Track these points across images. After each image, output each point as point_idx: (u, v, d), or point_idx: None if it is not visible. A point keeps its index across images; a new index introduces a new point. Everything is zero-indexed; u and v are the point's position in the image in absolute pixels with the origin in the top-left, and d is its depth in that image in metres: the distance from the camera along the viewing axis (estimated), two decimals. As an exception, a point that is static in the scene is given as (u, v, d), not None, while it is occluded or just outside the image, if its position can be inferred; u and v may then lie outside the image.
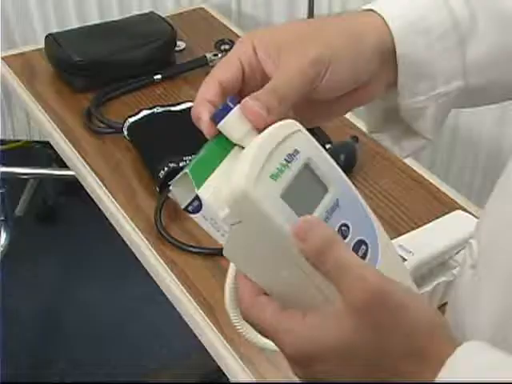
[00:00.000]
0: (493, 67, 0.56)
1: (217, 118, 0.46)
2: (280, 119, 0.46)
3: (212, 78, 0.50)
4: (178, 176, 0.46)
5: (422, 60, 0.54)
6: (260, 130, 0.46)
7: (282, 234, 0.42)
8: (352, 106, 0.56)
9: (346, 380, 0.43)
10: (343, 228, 0.45)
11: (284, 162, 0.44)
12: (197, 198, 0.45)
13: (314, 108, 0.53)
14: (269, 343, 0.47)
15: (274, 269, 0.44)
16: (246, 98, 0.47)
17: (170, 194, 0.47)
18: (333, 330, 0.42)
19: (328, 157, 0.47)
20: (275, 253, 0.43)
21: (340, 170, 0.47)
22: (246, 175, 0.42)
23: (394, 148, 0.61)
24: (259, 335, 0.48)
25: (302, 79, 0.49)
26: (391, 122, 0.60)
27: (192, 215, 0.46)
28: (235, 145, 0.47)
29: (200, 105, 0.48)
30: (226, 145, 0.47)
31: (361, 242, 0.46)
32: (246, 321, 0.47)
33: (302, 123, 0.47)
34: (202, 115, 0.47)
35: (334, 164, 0.47)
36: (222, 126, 0.46)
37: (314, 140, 0.47)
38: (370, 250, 0.46)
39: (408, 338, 0.42)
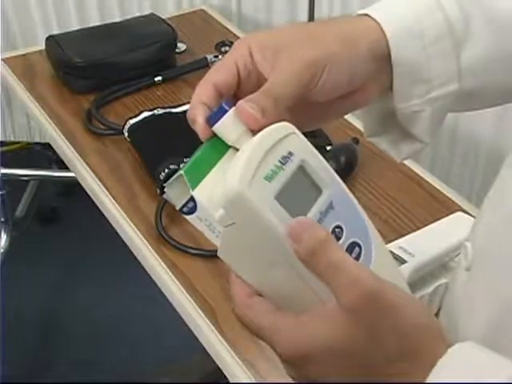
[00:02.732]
0: (488, 70, 0.56)
1: (212, 120, 0.47)
2: (275, 121, 0.47)
3: (207, 81, 0.50)
4: (173, 177, 0.46)
5: (416, 64, 0.54)
6: (255, 132, 0.46)
7: (275, 235, 0.43)
8: (348, 110, 0.56)
9: (338, 380, 0.43)
10: (337, 230, 0.45)
11: (278, 164, 0.44)
12: (192, 199, 0.45)
13: (309, 111, 0.53)
14: None
15: (267, 270, 0.44)
16: (241, 101, 0.47)
17: (164, 196, 0.47)
18: (326, 331, 0.42)
19: (322, 159, 0.47)
20: (269, 254, 0.44)
21: (334, 172, 0.47)
22: (240, 176, 0.42)
23: (392, 152, 0.61)
24: None
25: (298, 81, 0.49)
26: (388, 126, 0.60)
27: (187, 216, 0.47)
28: (230, 147, 0.47)
29: (195, 107, 0.49)
30: (221, 147, 0.47)
31: (354, 244, 0.46)
32: (240, 322, 0.47)
33: (298, 126, 0.47)
34: (197, 117, 0.48)
35: (328, 166, 0.47)
36: (216, 128, 0.47)
37: (308, 142, 0.47)
38: (363, 252, 0.46)
39: (400, 339, 0.42)
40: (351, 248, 0.46)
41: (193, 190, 0.45)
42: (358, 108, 0.57)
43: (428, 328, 0.43)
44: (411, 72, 0.54)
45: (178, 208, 0.46)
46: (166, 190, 0.46)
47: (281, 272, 0.44)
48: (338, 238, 0.45)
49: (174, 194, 0.46)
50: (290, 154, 0.45)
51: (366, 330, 0.42)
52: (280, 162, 0.44)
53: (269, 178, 0.43)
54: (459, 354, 0.42)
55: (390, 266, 0.49)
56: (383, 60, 0.53)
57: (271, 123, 0.46)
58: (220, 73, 0.50)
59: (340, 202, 0.46)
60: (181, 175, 0.45)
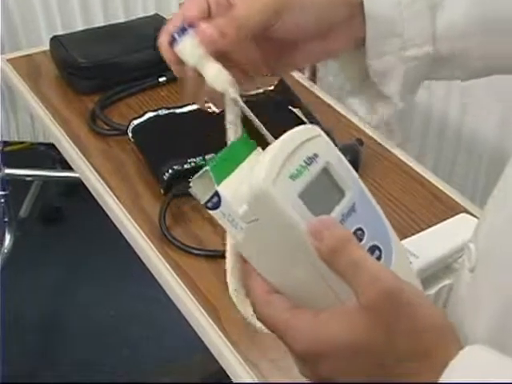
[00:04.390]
0: (465, 36, 0.56)
1: (174, 41, 0.49)
2: (236, 48, 0.49)
3: (178, 13, 0.52)
4: (200, 172, 0.47)
5: (389, 17, 0.55)
6: (214, 55, 0.48)
7: (297, 232, 0.43)
8: (320, 56, 0.57)
9: (350, 379, 0.43)
10: (358, 232, 0.46)
11: (303, 164, 0.44)
12: (216, 194, 0.46)
13: (278, 50, 0.55)
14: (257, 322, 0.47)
15: (287, 267, 0.45)
16: (202, 22, 0.50)
17: (189, 190, 0.48)
18: (342, 328, 0.42)
19: (346, 162, 0.48)
20: (290, 251, 0.44)
21: (357, 176, 0.48)
22: (265, 173, 0.43)
23: (366, 114, 0.62)
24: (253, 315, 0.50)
25: (261, 15, 0.51)
26: (364, 87, 0.61)
27: (211, 211, 0.47)
28: (257, 147, 0.48)
29: (163, 34, 0.51)
30: (248, 146, 0.48)
31: (375, 247, 0.46)
32: (257, 318, 0.47)
33: (269, 66, 0.50)
34: (162, 42, 0.51)
35: (352, 170, 0.48)
36: (178, 49, 0.49)
37: (333, 145, 0.48)
38: (383, 255, 0.46)
39: (416, 338, 0.42)
40: (371, 251, 0.46)
41: (218, 185, 0.46)
42: (331, 57, 0.58)
43: (444, 328, 0.43)
44: (383, 25, 0.55)
45: (202, 203, 0.47)
46: (191, 184, 0.47)
47: (301, 271, 0.44)
48: (360, 240, 0.45)
49: (199, 189, 0.47)
50: (315, 155, 0.45)
51: (383, 329, 0.42)
52: (305, 162, 0.45)
53: (293, 177, 0.44)
54: (469, 356, 0.42)
55: (408, 270, 0.50)
56: (355, 7, 0.54)
57: (230, 47, 0.49)
58: (191, 6, 0.52)
59: (362, 206, 0.47)
60: (207, 170, 0.46)
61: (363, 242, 0.46)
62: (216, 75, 0.50)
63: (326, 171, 0.46)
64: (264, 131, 0.49)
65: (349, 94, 0.62)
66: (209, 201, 0.47)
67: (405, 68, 0.56)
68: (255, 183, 0.43)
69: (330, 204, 0.45)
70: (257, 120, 0.49)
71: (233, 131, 0.51)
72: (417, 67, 0.57)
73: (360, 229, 0.46)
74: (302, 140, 0.45)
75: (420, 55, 0.56)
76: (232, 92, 0.50)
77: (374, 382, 0.43)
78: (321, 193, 0.45)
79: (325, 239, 0.43)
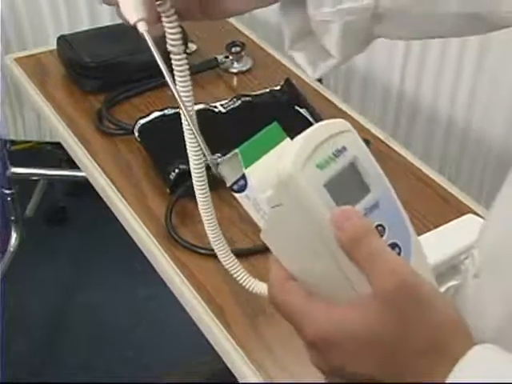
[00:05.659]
0: None
1: None
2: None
3: None
4: (229, 155, 0.48)
5: None
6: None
7: (320, 220, 0.43)
8: (245, 6, 0.58)
9: (362, 369, 0.43)
10: (379, 228, 0.46)
11: (332, 156, 0.45)
12: (243, 177, 0.48)
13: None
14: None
15: (307, 255, 0.45)
16: None
17: (218, 171, 0.49)
18: (357, 317, 0.43)
19: (374, 160, 0.48)
20: (311, 239, 0.44)
21: (384, 175, 0.48)
22: (293, 159, 0.43)
23: (308, 68, 0.62)
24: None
25: None
26: (307, 40, 0.61)
27: (236, 194, 0.48)
28: (287, 136, 0.49)
29: None
30: (280, 134, 0.50)
31: (394, 245, 0.46)
32: (272, 303, 0.47)
33: (202, 13, 0.52)
34: None
35: (379, 168, 0.48)
36: None
37: (362, 143, 0.48)
38: (402, 253, 0.47)
39: (431, 333, 0.42)
40: (391, 248, 0.46)
41: (245, 168, 0.47)
42: (264, 4, 0.58)
43: (457, 324, 0.44)
44: None
45: (228, 185, 0.48)
46: (219, 166, 0.48)
47: (320, 259, 0.44)
48: (380, 236, 0.46)
49: (227, 171, 0.48)
50: (344, 148, 0.46)
51: (397, 321, 0.42)
52: (333, 154, 0.45)
53: (321, 167, 0.44)
54: (478, 356, 0.42)
55: (426, 271, 0.50)
56: None
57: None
58: None
59: (385, 204, 0.47)
60: (236, 153, 0.47)
61: (383, 238, 0.46)
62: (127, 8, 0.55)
63: (353, 165, 0.46)
64: (163, 66, 0.53)
65: (292, 46, 0.62)
66: (235, 183, 0.48)
67: (343, 21, 0.56)
68: (283, 168, 0.43)
69: (355, 198, 0.46)
70: (159, 57, 0.54)
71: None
72: (355, 22, 0.56)
73: (381, 225, 0.46)
74: (332, 133, 0.46)
75: (359, 9, 0.55)
76: (141, 26, 0.56)
77: (385, 374, 0.43)
78: (346, 186, 0.45)
79: (346, 228, 0.43)
